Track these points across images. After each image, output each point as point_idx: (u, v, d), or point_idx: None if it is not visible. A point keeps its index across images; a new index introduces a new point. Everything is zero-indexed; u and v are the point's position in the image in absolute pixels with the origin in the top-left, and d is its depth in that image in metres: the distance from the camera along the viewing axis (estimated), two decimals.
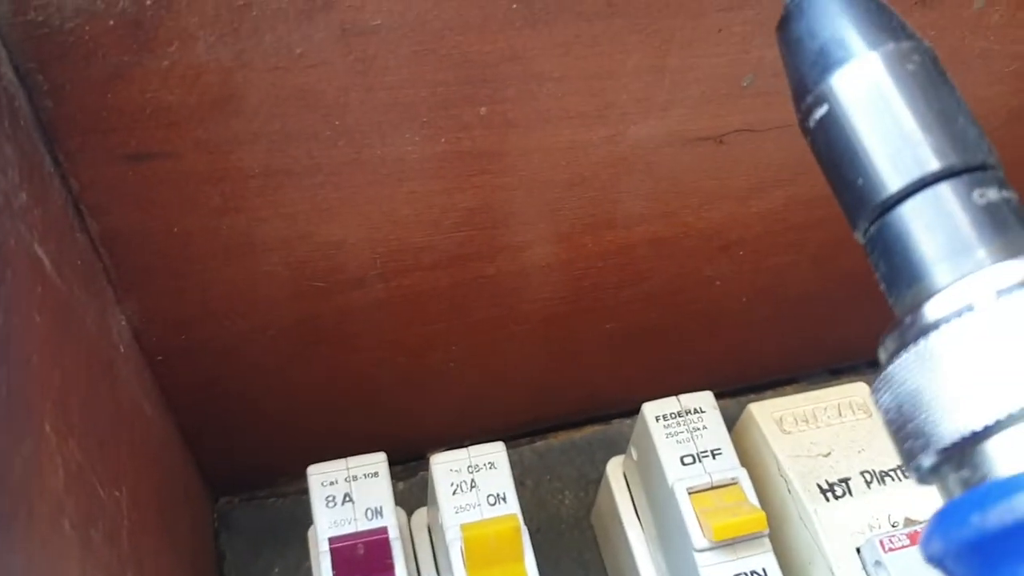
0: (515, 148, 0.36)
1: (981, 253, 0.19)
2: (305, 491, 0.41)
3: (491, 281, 0.43)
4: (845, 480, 0.43)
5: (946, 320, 0.18)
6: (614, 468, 0.48)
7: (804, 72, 0.22)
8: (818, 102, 0.21)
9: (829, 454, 0.44)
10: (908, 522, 0.42)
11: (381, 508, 0.40)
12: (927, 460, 0.18)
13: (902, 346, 0.19)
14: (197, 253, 0.36)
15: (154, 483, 0.39)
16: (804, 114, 0.22)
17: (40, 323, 0.27)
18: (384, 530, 0.39)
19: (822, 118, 0.21)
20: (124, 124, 0.31)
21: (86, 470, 0.29)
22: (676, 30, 0.34)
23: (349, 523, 0.39)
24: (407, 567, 0.39)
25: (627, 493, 0.47)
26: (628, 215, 0.42)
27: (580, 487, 0.54)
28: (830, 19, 0.21)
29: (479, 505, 0.40)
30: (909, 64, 0.21)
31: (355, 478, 0.41)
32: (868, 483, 0.43)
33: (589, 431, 0.57)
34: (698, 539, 0.40)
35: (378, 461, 0.41)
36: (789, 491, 0.43)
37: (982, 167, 0.20)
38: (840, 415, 0.45)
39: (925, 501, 0.42)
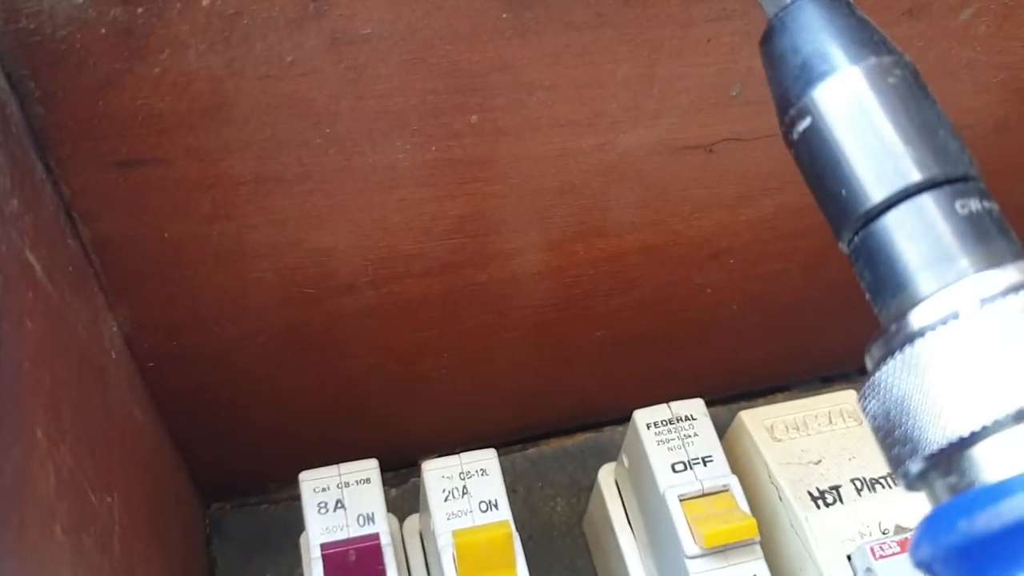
0: (505, 156, 0.37)
1: (964, 262, 0.19)
2: (296, 498, 0.41)
3: (482, 288, 0.43)
4: (836, 487, 0.43)
5: (931, 328, 0.19)
6: (606, 475, 0.48)
7: (787, 86, 0.22)
8: (801, 115, 0.22)
9: (820, 461, 0.44)
10: (898, 529, 0.42)
11: (373, 514, 0.40)
12: (914, 466, 0.19)
13: (888, 354, 0.19)
14: (188, 259, 0.36)
15: (145, 489, 0.39)
16: (787, 127, 0.22)
17: (31, 329, 0.27)
18: (376, 536, 0.39)
19: (805, 131, 0.21)
20: (115, 131, 0.31)
21: (77, 476, 0.29)
22: (665, 40, 0.34)
23: (341, 529, 0.39)
24: (399, 573, 0.39)
25: (619, 500, 0.48)
26: (618, 223, 0.42)
27: (572, 494, 0.54)
28: (812, 34, 0.22)
29: (471, 512, 0.40)
30: (890, 78, 0.21)
31: (347, 484, 0.41)
32: (859, 490, 0.43)
33: (580, 438, 0.57)
34: (689, 546, 0.40)
35: (370, 467, 0.41)
36: (780, 498, 0.43)
37: (963, 178, 0.20)
38: (831, 423, 0.45)
39: (915, 508, 0.42)
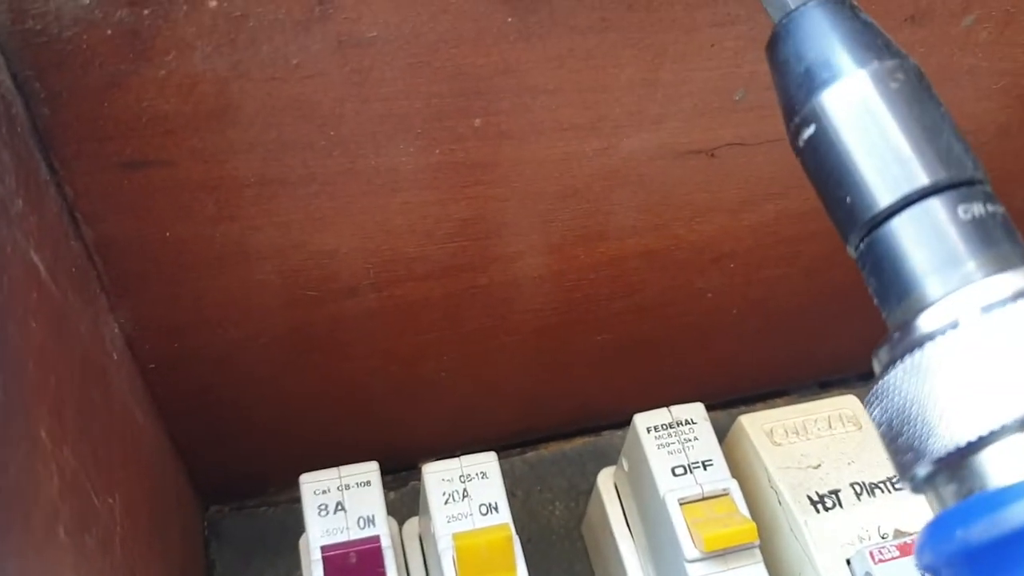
0: (508, 160, 0.37)
1: (971, 267, 0.19)
2: (295, 500, 0.41)
3: (483, 292, 0.43)
4: (835, 492, 0.43)
5: (938, 333, 0.19)
6: (605, 479, 0.49)
7: (791, 93, 0.22)
8: (806, 122, 0.22)
9: (819, 466, 0.44)
10: (898, 534, 0.42)
11: (373, 517, 0.40)
12: (922, 470, 0.19)
13: (895, 358, 0.19)
14: (191, 261, 0.36)
15: (146, 491, 0.39)
16: (793, 134, 0.22)
17: (36, 329, 0.27)
18: (376, 539, 0.39)
19: (810, 138, 0.22)
20: (120, 132, 0.31)
21: (80, 477, 0.29)
22: (669, 44, 0.34)
23: (341, 532, 0.39)
24: None
25: (618, 504, 0.48)
26: (620, 227, 0.42)
27: (571, 498, 0.54)
28: (815, 40, 0.22)
29: (471, 515, 0.40)
30: (892, 82, 0.21)
31: (347, 487, 0.41)
32: (858, 495, 0.43)
33: (580, 442, 0.57)
34: (689, 550, 0.40)
35: (370, 470, 0.41)
36: (779, 502, 0.43)
37: (970, 182, 0.20)
38: (830, 427, 0.46)
39: (915, 513, 0.42)
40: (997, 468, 0.18)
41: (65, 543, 0.27)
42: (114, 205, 0.33)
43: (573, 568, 0.52)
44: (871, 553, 0.39)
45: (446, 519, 0.40)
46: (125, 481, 0.35)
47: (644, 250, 0.44)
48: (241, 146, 0.33)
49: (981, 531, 0.17)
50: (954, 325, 0.18)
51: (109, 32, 0.28)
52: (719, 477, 0.42)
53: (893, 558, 0.39)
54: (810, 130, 0.22)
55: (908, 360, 0.19)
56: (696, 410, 0.45)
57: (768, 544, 0.43)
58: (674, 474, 0.42)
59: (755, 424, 0.45)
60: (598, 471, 0.49)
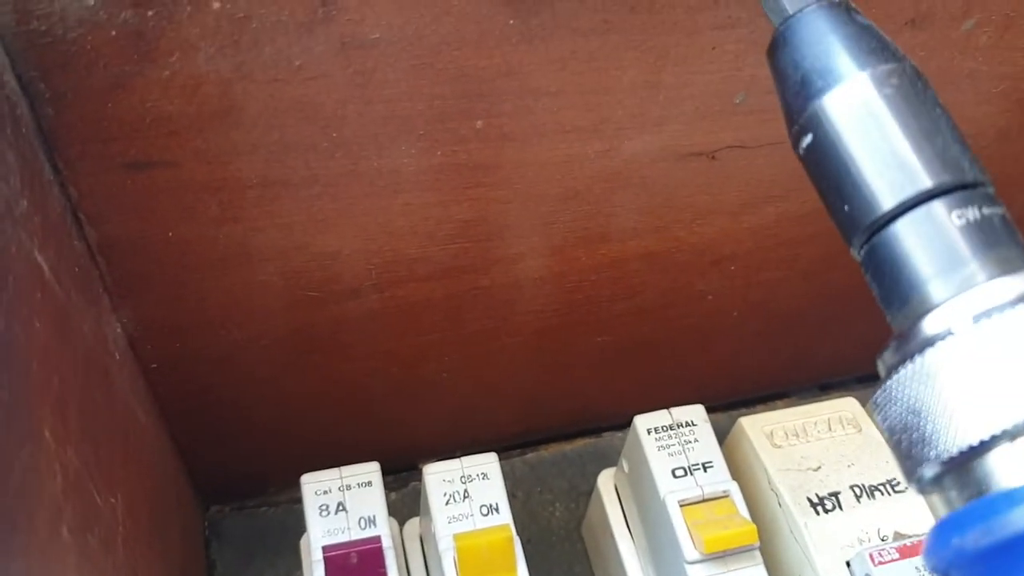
0: (510, 161, 0.37)
1: (975, 269, 0.19)
2: (296, 500, 0.41)
3: (485, 293, 0.43)
4: (835, 494, 0.43)
5: (945, 335, 0.19)
6: (605, 480, 0.49)
7: (792, 99, 0.22)
8: (806, 127, 0.22)
9: (819, 468, 0.44)
10: (897, 536, 0.42)
11: (374, 517, 0.40)
12: (929, 471, 0.19)
13: (901, 361, 0.19)
14: (194, 262, 0.37)
15: (147, 491, 0.39)
16: (795, 138, 0.22)
17: (40, 329, 0.27)
18: (378, 539, 0.39)
19: (810, 144, 0.22)
20: (124, 133, 0.31)
21: (83, 476, 0.29)
22: (671, 47, 0.34)
23: (343, 532, 0.39)
24: None
25: (618, 505, 0.48)
26: (621, 229, 0.42)
27: (571, 499, 0.55)
28: (814, 46, 0.22)
29: (472, 515, 0.40)
30: (887, 88, 0.21)
31: (349, 487, 0.41)
32: (858, 497, 0.43)
33: (580, 443, 0.57)
34: (689, 551, 0.40)
35: (371, 470, 0.41)
36: (779, 504, 0.43)
37: (971, 184, 0.20)
38: (830, 430, 0.46)
39: (915, 515, 0.42)
40: (1006, 470, 0.18)
41: (68, 542, 0.27)
42: (118, 206, 0.33)
43: (573, 569, 0.52)
44: (871, 555, 0.39)
45: (447, 520, 0.40)
46: (127, 481, 0.35)
47: (645, 252, 0.44)
48: (244, 147, 0.33)
49: (990, 532, 0.17)
50: (958, 329, 0.18)
51: (113, 33, 0.28)
52: (719, 479, 0.43)
53: (893, 560, 0.39)
54: (811, 135, 0.22)
55: (913, 363, 0.19)
56: (696, 412, 0.45)
57: (768, 546, 0.43)
58: (674, 476, 0.43)
59: (755, 426, 0.45)
60: (598, 472, 0.49)
